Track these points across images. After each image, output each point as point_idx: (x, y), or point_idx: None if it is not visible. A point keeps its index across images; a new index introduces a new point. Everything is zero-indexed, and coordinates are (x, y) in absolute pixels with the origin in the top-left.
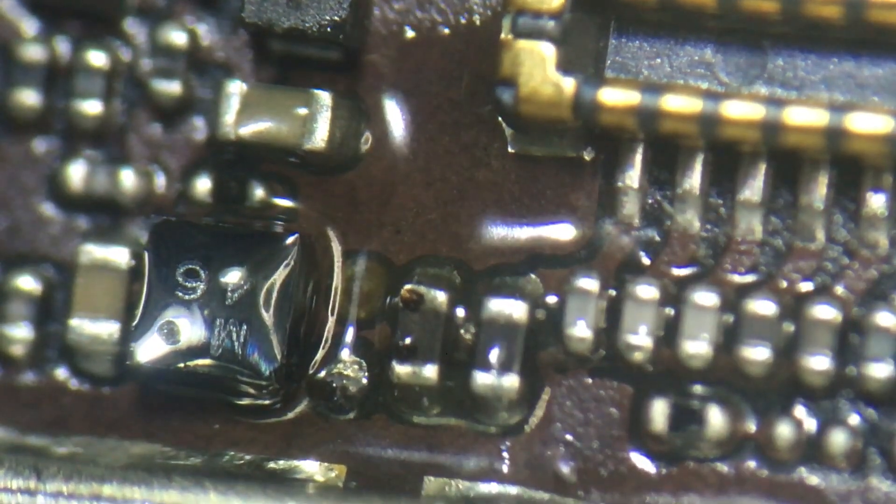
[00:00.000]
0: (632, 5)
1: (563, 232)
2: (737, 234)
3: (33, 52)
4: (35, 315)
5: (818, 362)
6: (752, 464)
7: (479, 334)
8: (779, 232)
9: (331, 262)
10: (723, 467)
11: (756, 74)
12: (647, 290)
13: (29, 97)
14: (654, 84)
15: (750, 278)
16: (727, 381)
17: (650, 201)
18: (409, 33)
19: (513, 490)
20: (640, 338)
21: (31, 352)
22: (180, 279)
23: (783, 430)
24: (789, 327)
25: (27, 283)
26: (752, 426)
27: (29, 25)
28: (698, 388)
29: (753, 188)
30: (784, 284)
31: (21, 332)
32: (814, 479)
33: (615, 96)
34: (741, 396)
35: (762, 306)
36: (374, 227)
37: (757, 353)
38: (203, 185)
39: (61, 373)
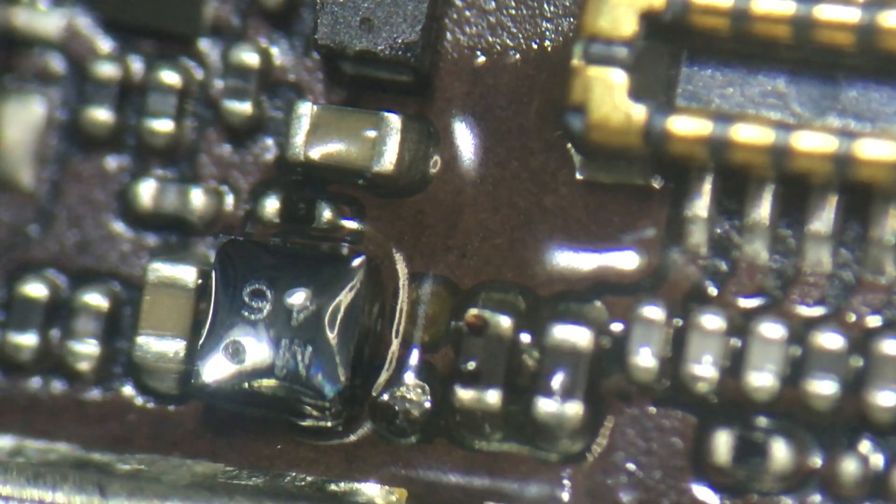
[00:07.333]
0: (705, 34)
1: (629, 260)
2: (805, 266)
3: (107, 70)
4: (102, 331)
5: (886, 398)
6: (816, 498)
7: (542, 360)
8: (848, 264)
9: (396, 284)
10: (787, 501)
11: (829, 106)
12: (713, 321)
13: (102, 114)
14: (725, 114)
15: (818, 311)
16: (793, 414)
17: (718, 231)
18: (480, 58)
19: None
20: (704, 368)
21: (98, 368)
22: (247, 299)
23: (849, 466)
24: (857, 361)
25: (95, 299)
26: (817, 461)
27: (104, 44)
28: (763, 421)
29: (823, 220)
30: (852, 318)
31: (88, 348)
32: None
33: (686, 125)
34: (807, 430)
35: (830, 339)
36: (440, 251)
37: (823, 387)
38: (271, 205)
39: (127, 390)
